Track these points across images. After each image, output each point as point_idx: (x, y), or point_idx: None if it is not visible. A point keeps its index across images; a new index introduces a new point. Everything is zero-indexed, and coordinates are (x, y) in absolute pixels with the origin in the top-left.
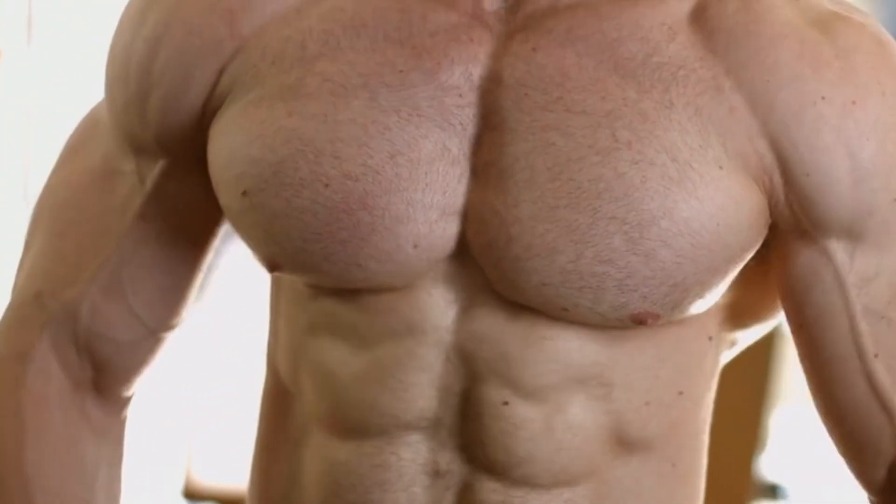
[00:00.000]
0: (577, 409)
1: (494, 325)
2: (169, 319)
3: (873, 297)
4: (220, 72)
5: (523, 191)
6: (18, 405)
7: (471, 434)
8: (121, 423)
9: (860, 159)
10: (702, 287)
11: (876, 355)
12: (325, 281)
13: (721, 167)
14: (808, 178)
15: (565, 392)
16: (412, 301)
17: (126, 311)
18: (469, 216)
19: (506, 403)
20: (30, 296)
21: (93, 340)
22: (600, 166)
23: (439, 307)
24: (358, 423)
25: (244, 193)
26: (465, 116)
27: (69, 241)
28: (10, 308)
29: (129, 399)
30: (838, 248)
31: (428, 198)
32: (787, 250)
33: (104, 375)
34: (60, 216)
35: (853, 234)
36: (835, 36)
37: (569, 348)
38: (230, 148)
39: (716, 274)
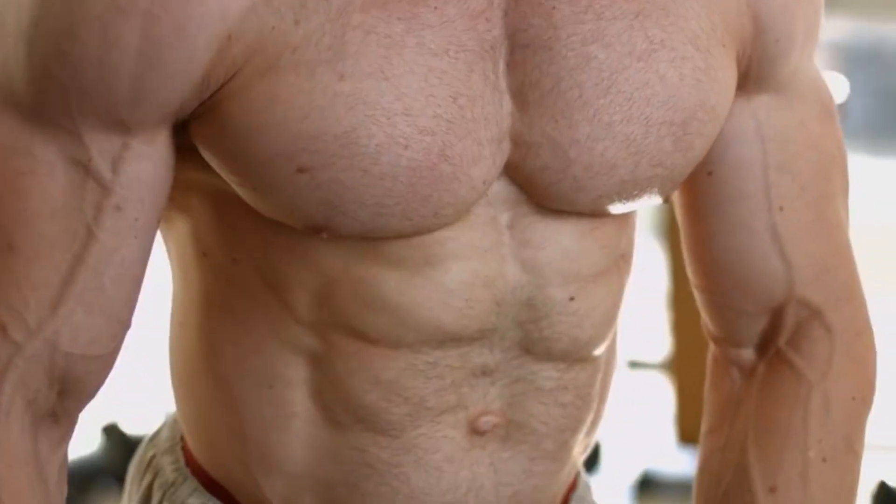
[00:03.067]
0: (615, 284)
1: (547, 229)
2: (134, 313)
3: (782, 151)
4: (228, 38)
5: (576, 111)
6: None
7: (533, 333)
8: (66, 452)
9: (809, 23)
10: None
11: (781, 208)
12: (390, 234)
13: (724, 45)
14: (777, 43)
15: (612, 273)
16: (468, 227)
17: (110, 319)
18: (516, 141)
19: (572, 299)
20: None
21: (72, 364)
22: (644, 72)
23: (493, 225)
24: (414, 342)
25: (301, 170)
26: (494, 39)
27: (21, 257)
28: None
29: (76, 423)
30: (763, 104)
31: (490, 132)
32: None
33: (68, 399)
34: None
35: (779, 91)
36: None
37: (609, 232)
38: (269, 124)
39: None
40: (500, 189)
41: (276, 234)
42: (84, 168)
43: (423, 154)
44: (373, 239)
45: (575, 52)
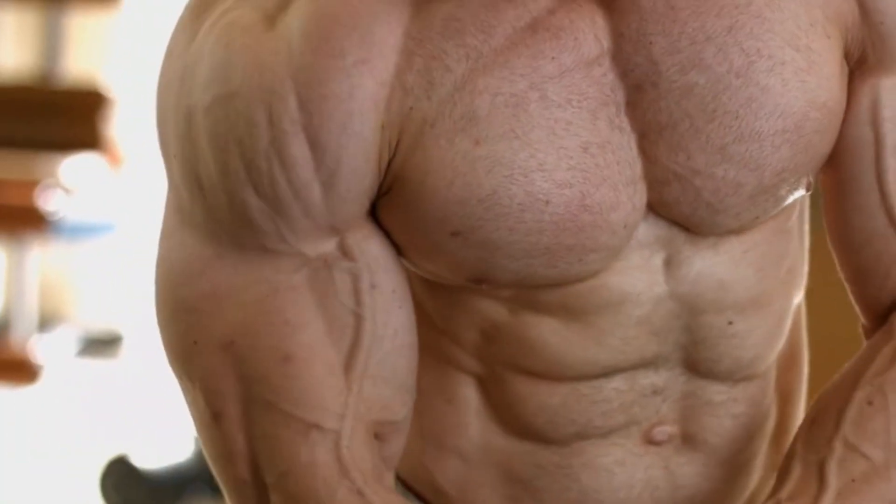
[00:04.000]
0: (778, 302)
1: (702, 262)
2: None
3: None
4: (381, 127)
5: (690, 141)
6: None
7: (694, 355)
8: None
9: None
10: None
11: None
12: (540, 282)
13: (828, 36)
14: (882, 25)
15: (773, 292)
16: (620, 273)
17: (397, 387)
18: (649, 180)
19: (730, 323)
20: (304, 438)
21: (378, 429)
22: (745, 87)
23: (647, 268)
24: (575, 375)
25: (454, 234)
26: (612, 83)
27: (300, 362)
28: (290, 474)
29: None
30: (879, 85)
31: (624, 177)
32: None
33: (388, 449)
34: (267, 350)
35: None
36: None
37: (765, 251)
38: (423, 195)
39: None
40: (650, 230)
41: (441, 290)
42: (325, 267)
43: (564, 207)
44: (526, 289)
45: (677, 83)
